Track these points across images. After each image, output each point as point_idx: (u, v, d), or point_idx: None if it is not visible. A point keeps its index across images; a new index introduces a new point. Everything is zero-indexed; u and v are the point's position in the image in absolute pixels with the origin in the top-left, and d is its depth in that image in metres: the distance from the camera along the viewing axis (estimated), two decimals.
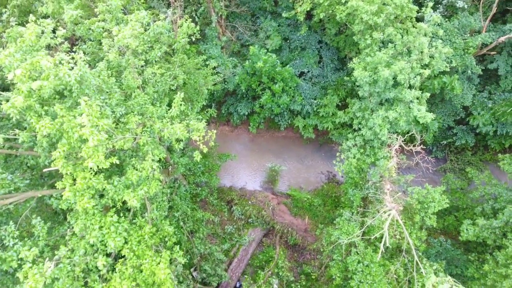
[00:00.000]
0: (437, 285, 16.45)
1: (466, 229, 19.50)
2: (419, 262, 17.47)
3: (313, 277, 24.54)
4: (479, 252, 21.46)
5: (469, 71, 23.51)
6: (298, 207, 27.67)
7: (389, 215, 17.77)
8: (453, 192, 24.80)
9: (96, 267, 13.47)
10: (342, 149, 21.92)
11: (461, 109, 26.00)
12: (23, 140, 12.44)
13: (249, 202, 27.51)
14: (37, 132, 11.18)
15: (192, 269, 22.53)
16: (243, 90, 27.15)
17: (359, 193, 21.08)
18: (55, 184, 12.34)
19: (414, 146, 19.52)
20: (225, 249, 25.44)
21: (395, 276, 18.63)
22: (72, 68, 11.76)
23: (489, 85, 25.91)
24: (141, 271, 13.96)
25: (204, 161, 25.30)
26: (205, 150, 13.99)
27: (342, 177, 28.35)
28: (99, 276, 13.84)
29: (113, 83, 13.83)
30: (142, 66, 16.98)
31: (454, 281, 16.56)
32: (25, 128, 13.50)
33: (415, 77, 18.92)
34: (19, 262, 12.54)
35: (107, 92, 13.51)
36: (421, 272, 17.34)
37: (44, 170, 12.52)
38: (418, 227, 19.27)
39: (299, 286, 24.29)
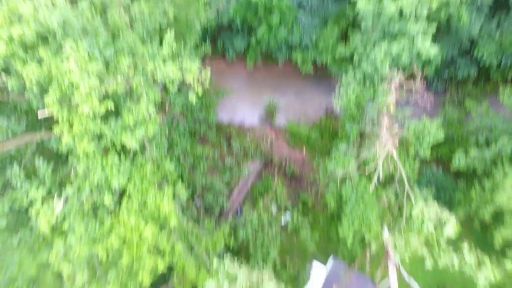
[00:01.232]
0: (424, 210, 17.50)
1: (458, 159, 20.10)
2: (409, 191, 18.29)
3: (310, 205, 25.98)
4: (468, 179, 22.31)
5: (478, 1, 22.05)
6: (296, 140, 28.10)
7: (384, 147, 18.12)
8: (449, 124, 24.94)
9: (104, 205, 14.17)
10: (341, 84, 21.52)
11: (466, 42, 24.89)
12: (12, 87, 12.13)
13: (248, 137, 27.87)
14: (25, 79, 10.86)
15: (195, 196, 23.38)
16: (238, 24, 25.65)
17: (357, 127, 21.22)
18: (53, 126, 12.31)
19: (414, 79, 19.04)
20: (225, 180, 26.41)
21: (386, 201, 19.56)
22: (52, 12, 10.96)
23: (498, 14, 24.46)
24: (146, 207, 14.71)
25: (201, 99, 24.96)
26: (200, 92, 13.76)
27: (340, 111, 28.26)
28: (108, 212, 14.63)
29: (98, 22, 12.98)
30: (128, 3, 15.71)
31: (440, 206, 17.56)
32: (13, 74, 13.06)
33: (422, 8, 17.69)
34: (29, 201, 13.15)
35: (93, 33, 12.76)
36: (411, 200, 18.26)
37: (39, 116, 12.33)
38: (412, 158, 19.75)
39: (296, 213, 25.76)
